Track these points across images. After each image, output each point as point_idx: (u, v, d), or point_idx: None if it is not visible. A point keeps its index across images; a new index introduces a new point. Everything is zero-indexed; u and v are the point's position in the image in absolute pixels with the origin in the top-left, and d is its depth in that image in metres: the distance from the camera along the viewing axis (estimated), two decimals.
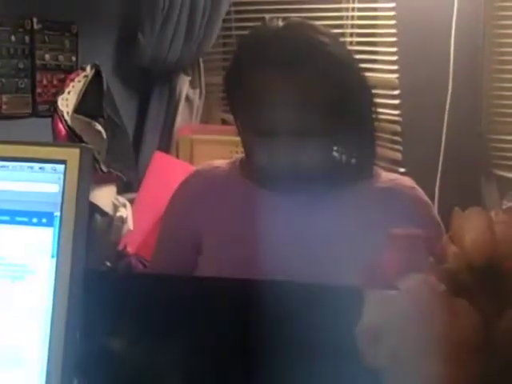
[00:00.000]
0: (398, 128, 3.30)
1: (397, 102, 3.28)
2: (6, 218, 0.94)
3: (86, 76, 3.37)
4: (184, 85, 3.72)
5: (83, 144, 1.22)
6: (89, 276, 0.92)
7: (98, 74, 3.41)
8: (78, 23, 3.41)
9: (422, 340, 0.68)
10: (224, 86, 1.58)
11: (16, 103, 3.24)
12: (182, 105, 3.73)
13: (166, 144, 3.67)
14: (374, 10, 3.39)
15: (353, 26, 3.36)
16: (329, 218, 1.54)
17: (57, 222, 0.92)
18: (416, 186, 1.61)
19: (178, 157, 3.56)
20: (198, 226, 1.60)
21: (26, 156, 0.94)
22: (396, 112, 3.28)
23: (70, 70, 3.40)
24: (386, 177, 1.60)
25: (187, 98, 3.77)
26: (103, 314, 1.11)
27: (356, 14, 3.36)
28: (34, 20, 3.26)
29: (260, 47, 1.50)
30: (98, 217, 2.20)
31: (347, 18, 3.38)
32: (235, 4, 3.69)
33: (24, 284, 0.93)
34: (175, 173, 2.40)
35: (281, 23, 1.52)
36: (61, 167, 0.93)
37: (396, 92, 3.27)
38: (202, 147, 3.49)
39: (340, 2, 3.41)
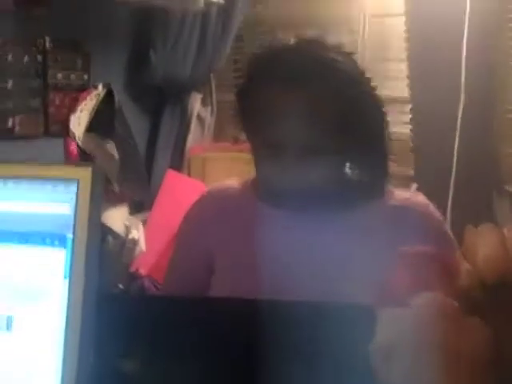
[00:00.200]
0: (410, 144, 3.31)
1: (408, 117, 3.29)
2: (19, 239, 0.94)
3: (97, 94, 3.39)
4: (195, 103, 3.74)
5: (95, 163, 1.23)
6: (102, 298, 0.92)
7: (109, 93, 3.43)
8: (89, 42, 3.43)
9: (434, 357, 0.67)
10: (236, 102, 1.58)
11: (28, 123, 3.25)
12: (194, 123, 3.74)
13: (178, 162, 3.68)
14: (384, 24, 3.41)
15: (363, 42, 3.38)
16: (341, 237, 1.53)
17: (69, 244, 0.92)
18: (429, 203, 1.60)
19: (189, 175, 3.57)
20: (211, 247, 1.60)
21: (39, 175, 0.95)
22: (408, 127, 3.29)
23: (82, 89, 3.42)
24: (399, 195, 1.60)
25: (199, 116, 3.78)
26: (116, 336, 1.11)
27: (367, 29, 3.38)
28: (47, 39, 3.28)
29: (270, 63, 1.50)
30: (110, 239, 2.20)
31: (358, 33, 3.40)
32: (246, 21, 3.70)
33: (37, 305, 0.93)
34: (188, 191, 2.40)
35: (292, 40, 1.52)
36: (73, 186, 0.93)
37: (407, 108, 3.28)
38: (214, 165, 3.49)
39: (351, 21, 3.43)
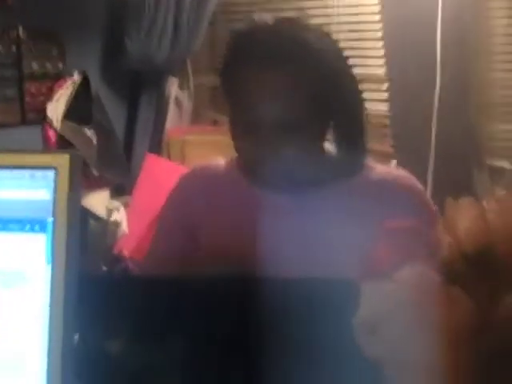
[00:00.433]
0: (387, 121, 3.31)
1: (385, 95, 3.30)
2: None
3: (73, 83, 3.37)
4: (172, 87, 3.73)
5: (72, 150, 1.22)
6: (85, 280, 0.92)
7: (85, 80, 3.41)
8: (64, 30, 3.41)
9: (418, 328, 0.68)
10: (219, 82, 1.59)
11: (5, 112, 3.23)
12: (172, 107, 3.73)
13: (157, 146, 3.67)
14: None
15: (339, 23, 3.37)
16: (323, 213, 1.54)
17: (50, 228, 0.92)
18: (411, 176, 1.61)
19: (169, 159, 3.56)
20: (195, 224, 1.62)
21: (16, 164, 0.94)
22: (385, 105, 3.30)
23: (57, 78, 3.40)
24: (381, 169, 1.61)
25: (176, 100, 3.77)
26: (101, 317, 1.11)
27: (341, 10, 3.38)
28: (20, 29, 3.25)
29: (248, 42, 1.51)
30: (91, 221, 2.20)
31: (332, 14, 3.40)
32: (221, 4, 3.68)
33: (19, 291, 0.93)
34: (168, 174, 2.40)
35: (270, 20, 1.53)
36: (51, 174, 0.93)
37: (385, 86, 3.29)
38: (193, 148, 3.49)
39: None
